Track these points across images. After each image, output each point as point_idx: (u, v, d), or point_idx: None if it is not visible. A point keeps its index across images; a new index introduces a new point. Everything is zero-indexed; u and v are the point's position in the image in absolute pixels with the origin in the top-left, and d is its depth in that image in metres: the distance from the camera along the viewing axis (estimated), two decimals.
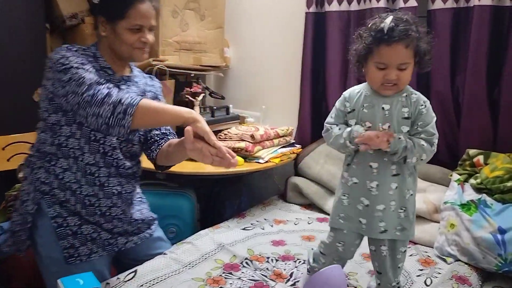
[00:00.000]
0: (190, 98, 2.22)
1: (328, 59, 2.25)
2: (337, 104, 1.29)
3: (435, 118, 1.23)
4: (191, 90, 2.25)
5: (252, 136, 2.07)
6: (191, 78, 2.45)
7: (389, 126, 1.20)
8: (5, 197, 2.08)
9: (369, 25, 1.19)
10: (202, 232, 1.78)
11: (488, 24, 1.82)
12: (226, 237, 1.76)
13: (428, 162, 2.02)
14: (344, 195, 1.28)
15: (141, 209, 1.58)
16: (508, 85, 1.83)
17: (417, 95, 1.22)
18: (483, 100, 1.88)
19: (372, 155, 1.21)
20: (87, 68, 1.25)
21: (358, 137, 1.18)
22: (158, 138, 1.49)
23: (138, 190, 1.59)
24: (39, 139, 1.37)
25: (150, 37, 1.36)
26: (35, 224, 1.36)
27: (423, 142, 1.19)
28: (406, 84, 1.20)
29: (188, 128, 1.15)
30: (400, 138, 1.16)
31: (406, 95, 1.20)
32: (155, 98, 1.51)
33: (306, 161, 2.23)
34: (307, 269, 1.38)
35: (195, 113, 1.20)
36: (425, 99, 1.23)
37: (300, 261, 1.59)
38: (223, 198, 2.40)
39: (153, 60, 2.15)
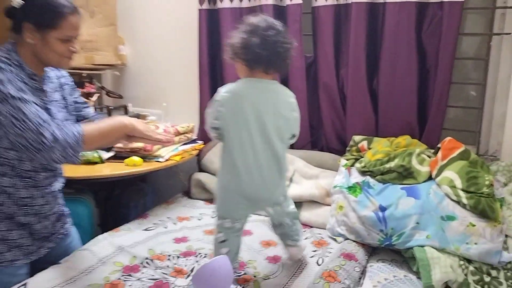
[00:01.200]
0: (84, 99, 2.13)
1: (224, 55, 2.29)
2: None
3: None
4: (84, 90, 2.16)
5: None
6: (83, 78, 2.35)
7: None
8: None
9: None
10: (100, 237, 1.73)
11: (365, 19, 1.98)
12: (126, 240, 1.73)
13: (321, 150, 2.19)
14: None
15: (57, 204, 1.54)
16: (384, 75, 2.01)
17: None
18: (364, 90, 2.05)
19: None
20: (26, 100, 1.22)
21: None
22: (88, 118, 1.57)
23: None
24: None
25: (77, 46, 1.37)
26: None
27: None
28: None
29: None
30: None
31: None
32: (72, 88, 1.55)
33: (209, 157, 2.26)
34: None
35: (128, 121, 1.36)
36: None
37: (201, 255, 1.62)
38: (126, 200, 2.35)
39: None
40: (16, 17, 1.30)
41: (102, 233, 1.85)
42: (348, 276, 1.49)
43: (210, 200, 2.20)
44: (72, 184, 1.98)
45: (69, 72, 1.94)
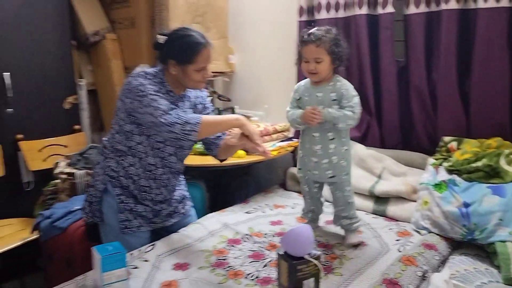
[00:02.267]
0: None
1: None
2: (292, 96, 1.81)
3: (356, 96, 1.70)
4: None
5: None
6: None
7: (323, 107, 1.68)
8: (43, 192, 2.43)
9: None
10: (209, 214, 2.08)
11: (456, 25, 2.06)
12: (230, 219, 2.05)
13: (411, 150, 2.30)
14: (302, 155, 1.81)
15: (180, 189, 1.92)
16: (475, 78, 2.06)
17: (340, 84, 1.70)
18: (455, 92, 2.12)
19: (314, 128, 1.71)
20: (160, 96, 1.59)
21: (300, 117, 1.70)
22: (213, 140, 1.87)
23: (181, 177, 1.94)
24: (114, 137, 1.72)
25: (210, 72, 1.69)
26: (103, 199, 1.73)
27: (347, 112, 1.66)
28: (322, 73, 1.66)
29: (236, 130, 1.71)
30: (328, 110, 1.66)
31: (333, 84, 1.69)
32: (204, 107, 1.85)
33: None
34: None
35: (241, 118, 1.64)
36: (349, 85, 1.71)
37: None
38: (232, 189, 2.69)
39: None
40: (162, 52, 1.66)
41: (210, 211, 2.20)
42: (426, 262, 1.61)
43: None
44: (189, 171, 2.37)
45: None
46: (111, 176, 1.73)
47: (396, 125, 2.35)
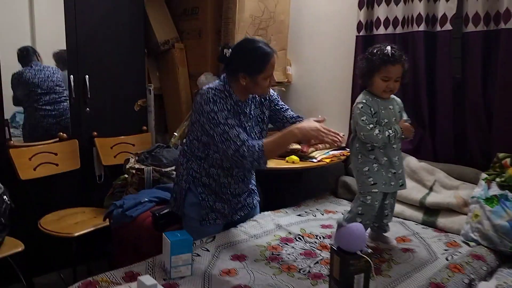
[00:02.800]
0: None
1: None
2: (363, 110, 1.76)
3: None
4: None
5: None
6: None
7: (405, 120, 1.83)
8: (113, 185, 2.67)
9: (374, 51, 1.75)
10: (265, 213, 2.22)
11: None
12: (283, 220, 2.18)
13: (463, 164, 2.34)
14: (376, 170, 1.78)
15: (252, 183, 2.10)
16: None
17: (395, 96, 1.85)
18: (511, 110, 2.15)
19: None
20: (231, 124, 1.72)
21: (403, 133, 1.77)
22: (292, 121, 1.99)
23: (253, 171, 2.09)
24: (192, 143, 1.87)
25: (275, 78, 1.86)
26: (187, 195, 1.91)
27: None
28: (396, 90, 1.77)
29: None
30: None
31: (393, 98, 1.83)
32: (271, 100, 1.97)
33: None
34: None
35: (298, 131, 1.71)
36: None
37: None
38: (283, 193, 2.83)
39: None
40: (230, 65, 1.78)
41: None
42: (473, 272, 1.66)
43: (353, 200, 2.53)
44: None
45: None
46: (193, 176, 1.89)
47: (449, 139, 2.40)
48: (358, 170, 1.83)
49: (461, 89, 2.35)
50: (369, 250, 1.35)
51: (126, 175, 2.59)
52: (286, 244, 1.92)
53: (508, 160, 2.11)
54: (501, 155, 2.14)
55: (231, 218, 2.02)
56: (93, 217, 2.55)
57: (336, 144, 1.75)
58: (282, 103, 2.03)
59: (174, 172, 2.47)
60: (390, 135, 1.74)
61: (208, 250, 1.81)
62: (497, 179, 2.03)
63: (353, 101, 2.74)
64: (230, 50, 1.82)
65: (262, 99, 1.95)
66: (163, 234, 1.64)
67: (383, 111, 1.77)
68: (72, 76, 2.69)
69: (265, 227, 2.08)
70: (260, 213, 2.20)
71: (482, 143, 2.30)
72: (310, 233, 2.04)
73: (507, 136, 2.18)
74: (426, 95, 2.44)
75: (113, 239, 2.31)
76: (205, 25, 2.99)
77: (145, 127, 3.06)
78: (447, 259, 1.79)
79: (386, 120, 1.77)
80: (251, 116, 1.90)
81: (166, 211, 2.14)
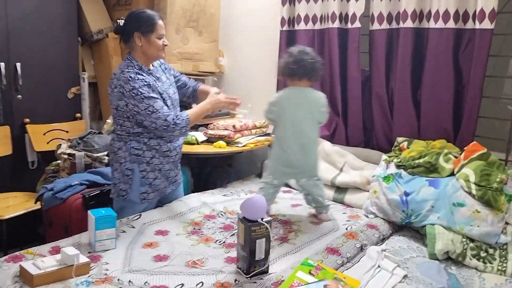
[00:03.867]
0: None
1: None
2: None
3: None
4: None
5: (233, 126, 2.69)
6: None
7: None
8: (45, 171, 2.74)
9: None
10: (191, 194, 2.40)
11: (411, 41, 2.40)
12: (209, 199, 2.37)
13: (371, 148, 2.63)
14: None
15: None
16: (426, 88, 2.39)
17: None
18: (409, 100, 2.45)
19: None
20: (154, 98, 1.95)
21: None
22: (193, 93, 2.36)
23: None
24: (124, 125, 2.02)
25: (166, 41, 2.06)
26: (133, 175, 2.04)
27: None
28: None
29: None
30: None
31: None
32: (170, 68, 2.26)
33: None
34: None
35: (210, 106, 2.11)
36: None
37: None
38: (214, 177, 3.01)
39: None
40: (126, 31, 1.99)
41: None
42: (366, 238, 1.93)
43: None
44: None
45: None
46: (136, 154, 2.02)
47: (359, 126, 2.69)
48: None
49: (368, 81, 2.63)
50: (269, 219, 1.56)
51: (58, 161, 2.66)
52: (209, 220, 2.11)
53: (405, 143, 2.41)
54: (400, 139, 2.45)
55: (168, 189, 2.18)
56: (25, 201, 2.61)
57: (235, 107, 2.25)
58: (177, 71, 2.34)
59: (106, 157, 2.59)
60: None
61: (133, 227, 1.96)
62: (395, 160, 2.33)
63: (278, 90, 2.97)
64: (123, 20, 2.03)
65: (163, 68, 2.17)
66: (89, 211, 1.77)
67: None
68: (3, 63, 2.71)
69: (191, 205, 2.25)
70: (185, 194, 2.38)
71: (386, 129, 2.60)
72: (232, 210, 2.24)
73: (405, 123, 2.49)
74: (340, 86, 2.70)
75: (44, 221, 2.40)
76: None
77: (78, 114, 3.13)
78: (346, 229, 2.05)
79: None
80: (163, 80, 2.11)
81: (96, 192, 2.27)
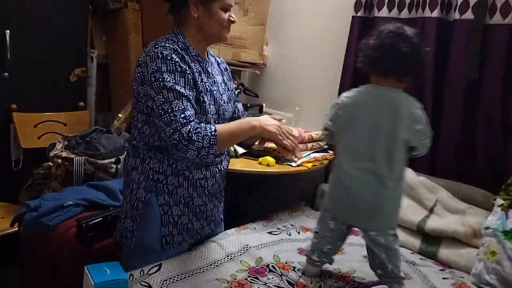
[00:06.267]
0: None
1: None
2: None
3: None
4: None
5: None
6: None
7: None
8: (33, 175, 2.08)
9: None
10: (228, 231, 1.73)
11: None
12: (252, 239, 1.71)
13: (471, 184, 1.96)
14: None
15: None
16: None
17: None
18: None
19: None
20: (179, 92, 1.27)
21: None
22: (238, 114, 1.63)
23: None
24: (142, 132, 1.38)
25: (235, 17, 1.42)
26: (141, 212, 1.39)
27: None
28: None
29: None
30: None
31: None
32: (231, 78, 1.62)
33: None
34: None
35: (258, 125, 1.36)
36: None
37: (328, 276, 1.52)
38: (248, 198, 2.35)
39: None
40: None
41: (224, 224, 1.88)
42: None
43: None
44: None
45: None
46: (156, 180, 1.38)
47: (451, 150, 2.01)
48: None
49: (475, 93, 1.95)
50: None
51: (50, 164, 2.01)
52: (256, 279, 1.44)
53: None
54: None
55: (204, 231, 1.55)
56: (0, 217, 1.95)
57: (289, 154, 1.47)
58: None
59: (113, 166, 1.94)
60: None
61: (149, 287, 1.31)
62: None
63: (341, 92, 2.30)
64: None
65: (223, 69, 1.57)
66: (85, 269, 1.12)
67: None
68: None
69: (228, 248, 1.60)
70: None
71: (495, 160, 1.92)
72: (285, 262, 1.58)
73: None
74: (431, 95, 2.03)
75: (23, 249, 1.75)
76: None
77: (82, 103, 2.47)
78: None
79: None
80: (217, 79, 1.47)
81: (97, 220, 1.61)
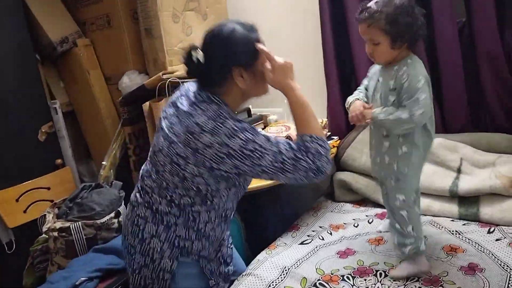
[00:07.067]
0: None
1: (352, 37, 2.02)
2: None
3: (421, 90, 1.25)
4: None
5: (289, 138, 1.86)
6: None
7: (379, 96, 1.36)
8: (31, 253, 1.89)
9: None
10: (259, 257, 1.58)
11: None
12: (287, 258, 1.56)
13: (485, 131, 1.85)
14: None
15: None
16: None
17: (405, 69, 1.28)
18: None
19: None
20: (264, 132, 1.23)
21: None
22: None
23: None
24: (183, 201, 1.25)
25: None
26: (178, 272, 1.30)
27: (402, 114, 1.26)
28: (381, 57, 1.31)
29: None
30: (376, 113, 1.32)
31: (397, 68, 1.30)
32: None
33: (349, 153, 2.02)
34: None
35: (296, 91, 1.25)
36: (415, 73, 1.27)
37: (381, 274, 1.39)
38: (262, 208, 2.19)
39: (163, 74, 1.92)
40: (213, 70, 1.19)
41: (250, 248, 1.73)
42: None
43: (358, 202, 1.97)
44: None
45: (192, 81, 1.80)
46: (182, 247, 1.27)
47: (461, 101, 1.89)
48: None
49: (468, 37, 1.83)
50: None
51: (46, 236, 1.82)
52: None
53: None
54: None
55: (228, 276, 1.46)
56: None
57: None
58: None
59: (115, 221, 1.76)
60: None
61: None
62: None
63: (328, 77, 2.15)
64: (200, 51, 1.19)
65: None
66: None
67: (371, 82, 1.44)
68: None
69: (267, 278, 1.45)
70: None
71: (507, 100, 1.80)
72: (331, 274, 1.44)
73: None
74: (424, 49, 1.89)
75: None
76: (115, 9, 2.20)
77: (59, 160, 2.26)
78: None
79: (370, 92, 1.44)
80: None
81: None
